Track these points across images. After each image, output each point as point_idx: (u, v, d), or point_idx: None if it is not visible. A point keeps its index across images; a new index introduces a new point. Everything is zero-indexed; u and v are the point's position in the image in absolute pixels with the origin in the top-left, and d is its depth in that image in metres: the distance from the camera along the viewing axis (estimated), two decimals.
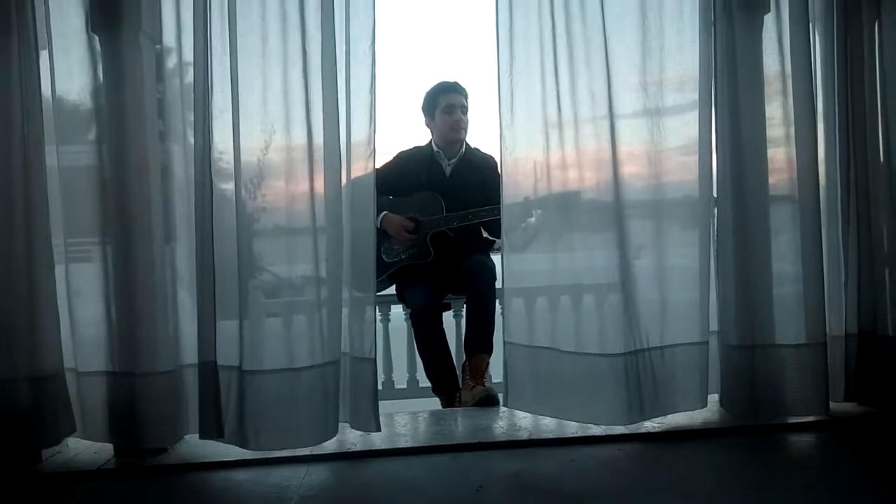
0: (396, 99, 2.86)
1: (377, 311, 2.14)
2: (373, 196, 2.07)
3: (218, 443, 2.05)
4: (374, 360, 2.06)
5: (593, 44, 2.04)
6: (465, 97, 2.76)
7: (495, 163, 2.79)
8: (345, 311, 2.07)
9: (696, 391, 2.10)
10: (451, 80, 2.78)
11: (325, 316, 2.04)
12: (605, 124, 2.05)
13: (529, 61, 2.06)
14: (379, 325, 2.64)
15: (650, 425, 2.10)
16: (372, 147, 2.04)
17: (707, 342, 2.11)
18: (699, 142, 2.09)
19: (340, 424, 2.10)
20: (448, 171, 2.78)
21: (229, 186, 2.04)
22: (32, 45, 1.97)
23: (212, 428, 1.98)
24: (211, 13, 1.97)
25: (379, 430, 2.04)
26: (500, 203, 2.15)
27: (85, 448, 2.11)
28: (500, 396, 2.30)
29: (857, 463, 1.89)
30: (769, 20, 2.10)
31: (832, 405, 2.16)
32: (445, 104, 2.72)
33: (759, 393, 2.09)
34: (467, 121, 2.76)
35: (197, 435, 2.03)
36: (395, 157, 2.84)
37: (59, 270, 2.03)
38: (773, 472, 1.81)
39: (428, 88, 2.79)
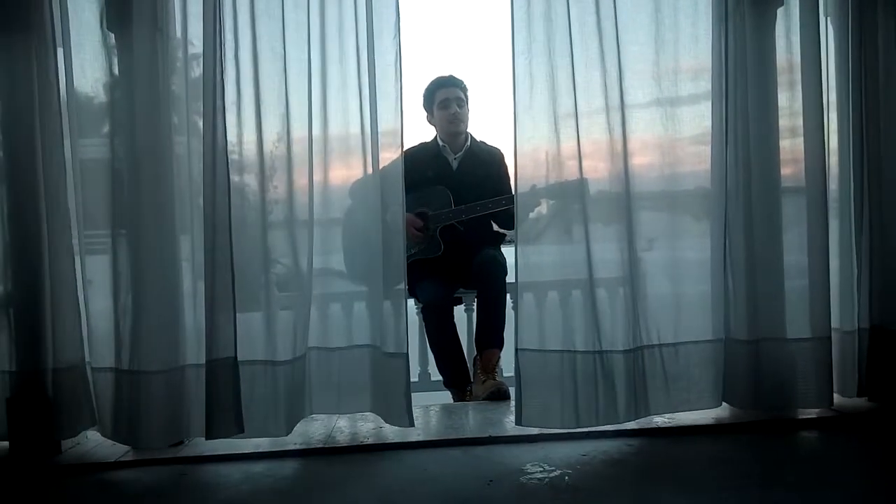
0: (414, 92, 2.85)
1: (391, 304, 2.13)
2: (401, 188, 2.07)
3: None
4: (406, 356, 2.06)
5: (609, 33, 2.03)
6: (463, 89, 2.77)
7: (501, 155, 2.81)
8: (377, 304, 2.10)
9: (710, 390, 2.09)
10: (447, 73, 2.80)
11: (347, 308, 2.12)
12: (631, 113, 2.05)
13: (550, 43, 2.01)
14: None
15: (660, 420, 2.11)
16: (400, 139, 2.05)
17: (722, 339, 2.10)
18: (712, 132, 2.09)
19: (358, 416, 2.17)
20: (455, 164, 2.79)
21: (250, 179, 2.09)
22: (50, 41, 2.01)
23: (230, 425, 1.97)
24: (223, 5, 2.00)
25: (412, 425, 2.05)
26: (508, 193, 2.13)
27: (104, 440, 2.14)
28: (511, 391, 2.31)
29: (865, 460, 1.89)
30: (781, 14, 2.09)
31: (844, 401, 2.17)
32: (441, 99, 2.74)
33: (763, 386, 2.09)
34: (466, 112, 2.77)
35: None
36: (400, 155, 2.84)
37: (92, 261, 2.07)
38: (781, 468, 1.81)
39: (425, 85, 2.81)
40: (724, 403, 2.13)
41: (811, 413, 2.13)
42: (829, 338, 2.09)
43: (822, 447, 2.03)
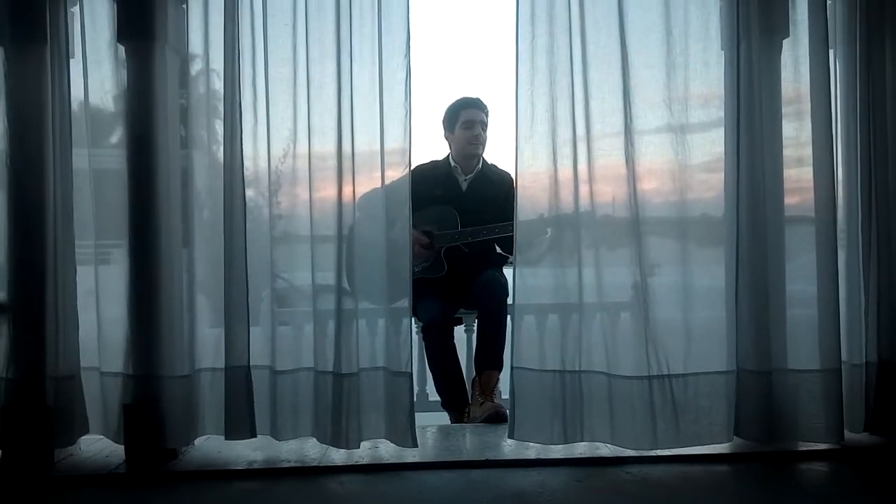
0: (421, 110, 2.88)
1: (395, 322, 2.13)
2: (408, 206, 2.08)
3: (224, 451, 2.09)
4: (411, 375, 2.06)
5: (616, 61, 2.04)
6: (486, 114, 2.78)
7: (511, 179, 2.79)
8: (382, 322, 2.11)
9: (722, 423, 2.04)
10: (474, 95, 2.80)
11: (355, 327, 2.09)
12: (636, 139, 2.04)
13: (552, 75, 2.04)
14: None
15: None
16: (407, 158, 2.07)
17: (735, 371, 2.06)
18: (725, 159, 2.08)
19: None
20: (464, 186, 2.79)
21: (261, 195, 2.12)
22: (64, 54, 2.05)
23: (244, 428, 2.04)
24: (240, 22, 2.03)
25: (415, 445, 2.04)
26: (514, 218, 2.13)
27: (97, 451, 2.14)
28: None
29: (872, 496, 1.84)
30: (789, 44, 2.08)
31: (851, 435, 2.11)
32: (466, 119, 2.75)
33: (772, 419, 2.05)
34: (486, 137, 2.78)
35: (206, 439, 2.12)
36: (411, 171, 2.85)
37: (89, 271, 2.09)
38: (787, 501, 1.76)
39: (450, 103, 2.81)
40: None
41: (817, 445, 2.08)
42: (840, 370, 2.04)
43: (829, 480, 1.98)
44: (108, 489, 1.95)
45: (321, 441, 2.09)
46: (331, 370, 2.06)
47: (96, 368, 2.11)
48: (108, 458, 2.09)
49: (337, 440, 2.05)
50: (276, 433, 2.09)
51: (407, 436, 2.03)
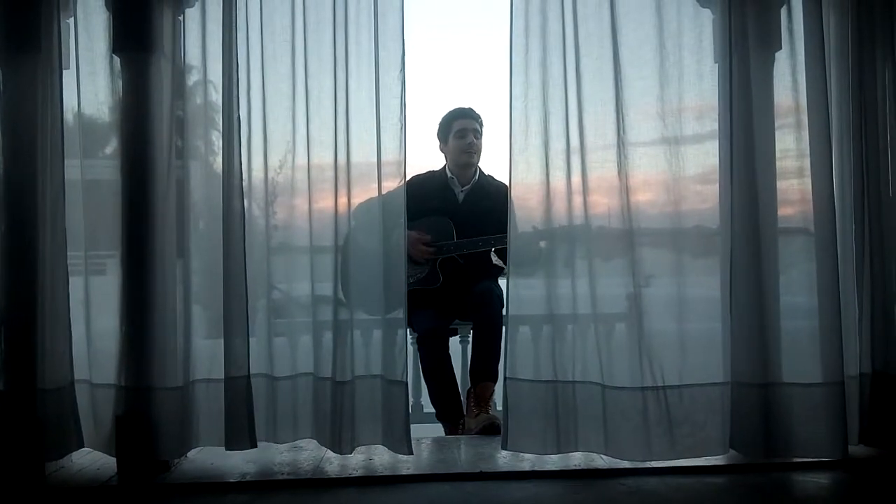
0: (418, 122, 2.90)
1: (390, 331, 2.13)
2: (403, 217, 2.09)
3: (217, 463, 2.08)
4: (406, 384, 2.07)
5: (609, 73, 2.05)
6: (479, 123, 2.80)
7: (508, 191, 2.81)
8: (377, 332, 2.12)
9: (718, 435, 2.04)
10: (466, 105, 2.82)
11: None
12: (629, 151, 2.05)
13: (546, 87, 2.06)
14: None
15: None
16: (403, 170, 2.09)
17: (731, 382, 2.06)
18: (720, 171, 2.09)
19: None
20: (461, 197, 2.79)
21: (258, 205, 2.14)
22: (58, 65, 2.05)
23: (244, 439, 2.03)
24: (238, 35, 2.05)
25: (411, 453, 2.04)
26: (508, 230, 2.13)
27: (89, 464, 2.12)
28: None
29: None
30: (784, 56, 2.09)
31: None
32: (458, 129, 2.77)
33: (770, 432, 2.04)
34: (480, 146, 2.79)
35: (200, 451, 2.11)
36: (407, 181, 2.86)
37: (81, 282, 2.09)
38: None
39: (443, 115, 2.83)
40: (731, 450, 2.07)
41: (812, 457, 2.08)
42: (842, 383, 2.02)
43: (826, 493, 1.97)
44: (99, 502, 1.93)
45: (320, 443, 2.09)
46: (329, 376, 2.07)
47: (87, 381, 2.10)
48: (100, 470, 2.07)
49: (334, 444, 2.05)
50: (274, 437, 2.09)
51: (403, 443, 2.03)
